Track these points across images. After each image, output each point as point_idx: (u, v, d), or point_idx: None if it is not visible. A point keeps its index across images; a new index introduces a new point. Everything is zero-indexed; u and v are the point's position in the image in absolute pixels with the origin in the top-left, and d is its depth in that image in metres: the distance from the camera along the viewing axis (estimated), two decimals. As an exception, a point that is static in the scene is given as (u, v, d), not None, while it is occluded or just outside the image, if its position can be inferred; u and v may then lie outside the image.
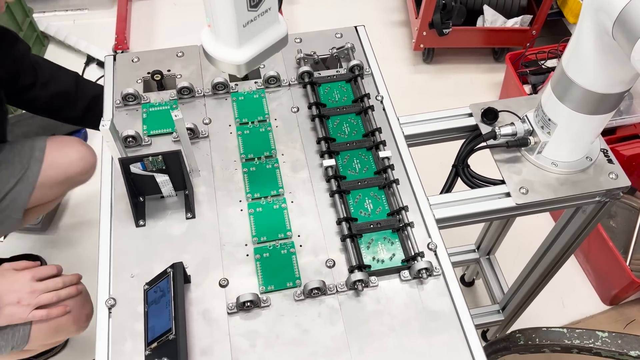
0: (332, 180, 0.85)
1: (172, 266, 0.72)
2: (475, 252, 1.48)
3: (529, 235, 1.49)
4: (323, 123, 0.92)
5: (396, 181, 0.84)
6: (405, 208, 0.82)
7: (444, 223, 0.86)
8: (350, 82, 0.99)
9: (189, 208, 0.83)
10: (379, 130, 0.90)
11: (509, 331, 1.13)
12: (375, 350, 0.72)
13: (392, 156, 0.88)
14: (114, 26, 2.14)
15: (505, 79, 1.97)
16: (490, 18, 2.01)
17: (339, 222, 0.81)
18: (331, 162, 0.86)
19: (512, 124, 0.90)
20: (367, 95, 0.95)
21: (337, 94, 0.97)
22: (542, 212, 0.90)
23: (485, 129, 0.94)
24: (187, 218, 0.83)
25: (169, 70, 1.00)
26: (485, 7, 2.01)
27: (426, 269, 0.76)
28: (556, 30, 2.10)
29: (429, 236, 0.82)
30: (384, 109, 0.96)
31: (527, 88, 1.90)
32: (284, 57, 1.03)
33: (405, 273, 0.77)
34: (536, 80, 1.90)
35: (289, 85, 0.99)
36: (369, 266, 0.77)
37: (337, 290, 0.76)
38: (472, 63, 2.21)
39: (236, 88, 0.98)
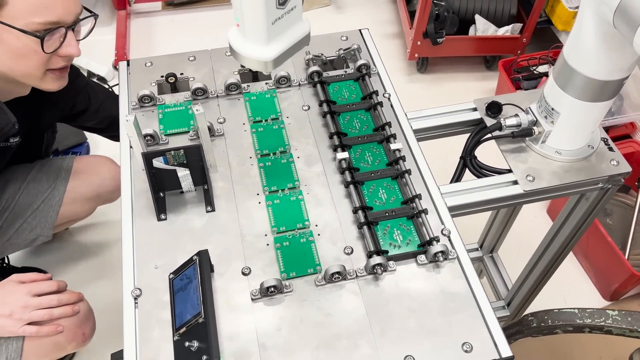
0: (346, 172, 0.87)
1: (198, 254, 0.74)
2: (478, 251, 1.51)
3: (529, 234, 1.53)
4: (334, 119, 0.95)
5: (408, 171, 0.88)
6: (419, 196, 0.84)
7: (455, 211, 0.89)
8: (358, 81, 1.02)
9: (209, 202, 0.85)
10: (389, 124, 0.94)
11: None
12: (396, 330, 0.74)
13: (402, 148, 0.91)
14: (114, 42, 2.18)
15: (499, 85, 2.02)
16: (482, 27, 2.07)
17: (355, 211, 0.84)
18: (344, 154, 0.89)
19: (517, 115, 0.94)
20: (376, 92, 0.99)
21: (346, 92, 1.01)
22: (548, 199, 0.93)
23: (489, 122, 0.97)
24: (207, 211, 0.85)
25: (181, 74, 1.03)
26: (477, 17, 2.07)
27: (442, 252, 0.78)
28: (545, 38, 2.17)
29: (442, 223, 0.85)
30: (391, 106, 1.00)
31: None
32: (293, 59, 1.06)
33: (422, 257, 0.80)
34: (529, 86, 1.96)
35: (299, 85, 1.03)
36: (387, 251, 0.80)
37: (356, 276, 0.78)
38: (465, 72, 2.26)
39: (248, 89, 1.01)
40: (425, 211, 0.83)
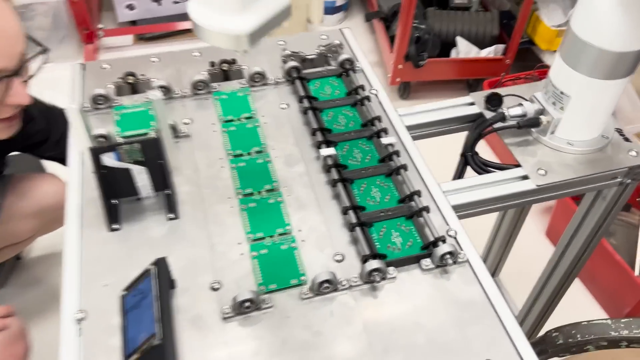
0: (333, 170, 0.75)
1: (156, 262, 0.61)
2: (478, 275, 1.38)
3: (529, 258, 1.42)
4: (316, 115, 0.84)
5: (404, 167, 0.76)
6: (418, 193, 0.72)
7: (460, 210, 0.77)
8: (341, 77, 0.92)
9: (171, 207, 0.72)
10: (378, 118, 0.83)
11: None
12: (403, 348, 0.60)
13: (395, 142, 0.79)
14: (81, 75, 2.06)
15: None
16: (464, 49, 2.01)
17: (344, 212, 0.71)
18: (330, 150, 0.77)
19: (521, 104, 0.84)
20: (362, 87, 0.88)
21: (328, 89, 0.90)
22: (563, 196, 0.82)
23: (490, 115, 0.87)
24: (170, 219, 0.72)
25: (142, 75, 0.92)
26: (459, 39, 2.01)
27: (450, 253, 0.66)
28: (528, 58, 2.11)
29: (447, 223, 0.72)
30: (380, 103, 0.89)
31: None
32: (269, 56, 0.96)
33: (427, 261, 0.67)
34: (516, 105, 1.88)
35: (276, 83, 0.92)
36: (385, 255, 0.67)
37: (350, 286, 0.65)
38: (447, 97, 2.19)
39: (218, 87, 0.89)
40: (426, 209, 0.71)
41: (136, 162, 0.69)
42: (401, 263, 0.67)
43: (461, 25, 2.02)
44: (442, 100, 0.91)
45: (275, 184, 0.75)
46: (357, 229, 0.69)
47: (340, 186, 0.73)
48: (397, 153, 0.78)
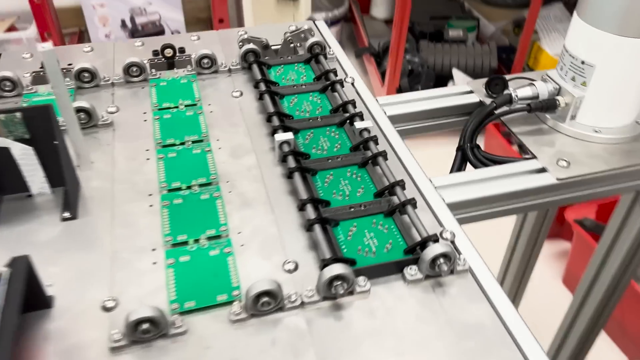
0: (290, 158, 0.57)
1: (11, 263, 0.41)
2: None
3: (546, 311, 1.21)
4: (274, 100, 0.67)
5: (382, 154, 0.58)
6: (400, 183, 0.54)
7: (457, 212, 0.58)
8: (310, 64, 0.75)
9: (69, 205, 0.54)
10: (352, 103, 0.65)
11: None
12: (376, 391, 0.40)
13: (372, 127, 0.62)
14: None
15: (486, 139, 1.78)
16: (461, 82, 1.87)
17: (301, 207, 0.52)
18: (286, 135, 0.59)
19: (532, 84, 0.66)
20: (334, 72, 0.71)
21: (293, 75, 0.73)
22: (591, 197, 0.63)
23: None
24: (64, 219, 0.53)
25: (69, 64, 0.76)
26: (455, 71, 1.88)
27: (445, 255, 0.46)
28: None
29: (440, 224, 0.53)
30: (357, 92, 0.72)
31: (515, 148, 1.71)
32: (222, 43, 0.80)
33: (412, 270, 0.48)
34: (521, 139, 1.71)
35: (230, 70, 0.75)
36: (354, 261, 0.47)
37: (302, 302, 0.45)
38: (445, 134, 2.03)
39: (157, 75, 0.73)
40: (412, 202, 0.52)
41: (20, 140, 0.51)
42: (376, 272, 0.48)
43: (457, 57, 1.89)
44: (431, 90, 0.74)
45: (213, 177, 0.57)
46: (316, 227, 0.50)
47: (297, 176, 0.55)
48: (374, 140, 0.60)
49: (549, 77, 0.67)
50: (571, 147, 0.64)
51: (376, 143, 0.59)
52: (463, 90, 0.74)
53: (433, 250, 0.46)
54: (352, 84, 0.74)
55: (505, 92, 0.66)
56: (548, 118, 0.67)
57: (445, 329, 0.44)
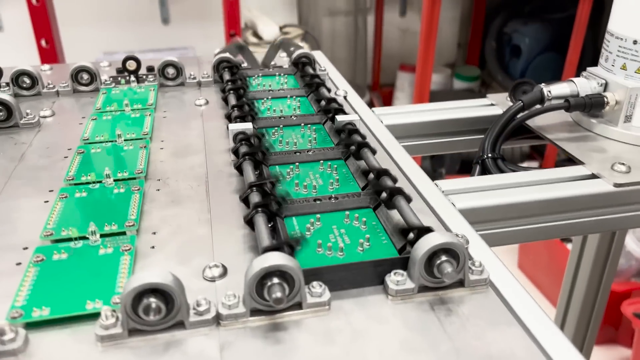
0: (242, 145, 0.42)
1: None
2: None
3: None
4: (241, 96, 0.53)
5: (367, 145, 0.42)
6: (388, 173, 0.38)
7: (479, 224, 0.41)
8: (295, 75, 0.63)
9: None
10: (336, 102, 0.51)
11: None
12: None
13: (357, 120, 0.47)
14: None
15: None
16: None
17: (244, 197, 0.36)
18: (243, 126, 0.45)
19: (570, 80, 0.52)
20: (318, 77, 0.58)
21: (271, 83, 0.60)
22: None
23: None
24: None
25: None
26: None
27: (447, 250, 0.29)
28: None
29: (446, 227, 0.37)
30: (351, 107, 0.58)
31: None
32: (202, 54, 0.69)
33: (398, 276, 0.30)
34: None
35: (199, 84, 0.63)
36: (296, 244, 0.31)
37: (216, 316, 0.28)
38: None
39: (111, 83, 0.61)
40: (402, 194, 0.36)
41: None
42: (342, 277, 0.30)
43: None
44: (440, 102, 0.60)
45: (139, 172, 0.43)
46: (257, 214, 0.34)
47: (246, 164, 0.40)
48: (358, 132, 0.45)
49: (590, 72, 0.53)
50: (627, 153, 0.48)
51: (362, 137, 0.44)
52: (479, 104, 0.60)
53: (429, 241, 0.30)
54: (345, 97, 0.60)
55: (536, 88, 0.51)
56: (594, 123, 0.51)
57: (450, 363, 0.26)
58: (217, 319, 0.28)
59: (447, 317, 0.29)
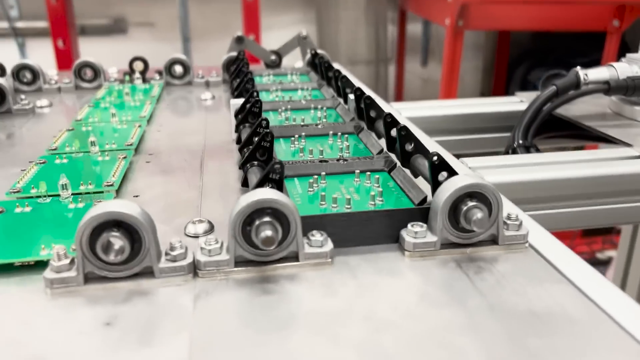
0: (245, 115, 0.38)
1: None
2: None
3: None
4: (246, 81, 0.50)
5: (391, 117, 0.38)
6: (405, 128, 0.33)
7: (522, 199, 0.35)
8: (309, 75, 0.60)
9: None
10: (346, 78, 0.47)
11: None
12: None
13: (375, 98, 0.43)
14: None
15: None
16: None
17: (240, 141, 0.32)
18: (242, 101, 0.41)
19: (610, 65, 0.47)
20: (336, 72, 0.55)
21: (282, 80, 0.57)
22: None
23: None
24: None
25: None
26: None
27: (476, 195, 0.24)
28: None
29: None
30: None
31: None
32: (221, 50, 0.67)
33: (419, 227, 0.25)
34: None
35: (207, 84, 0.60)
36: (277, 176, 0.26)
37: (193, 262, 0.23)
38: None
39: (115, 81, 0.58)
40: (435, 162, 0.31)
41: None
42: (349, 229, 0.25)
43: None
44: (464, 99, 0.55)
45: (129, 144, 0.38)
46: (254, 167, 0.29)
47: (246, 129, 0.36)
48: (373, 105, 0.40)
49: (630, 57, 0.48)
50: (681, 136, 0.42)
51: (377, 110, 0.40)
52: (509, 100, 0.55)
53: (454, 182, 0.24)
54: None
55: (571, 72, 0.47)
56: (637, 110, 0.46)
57: (481, 318, 0.20)
58: (195, 268, 0.23)
59: (478, 274, 0.23)
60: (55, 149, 0.38)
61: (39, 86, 0.57)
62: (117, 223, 0.22)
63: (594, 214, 0.37)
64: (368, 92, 0.53)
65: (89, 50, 1.45)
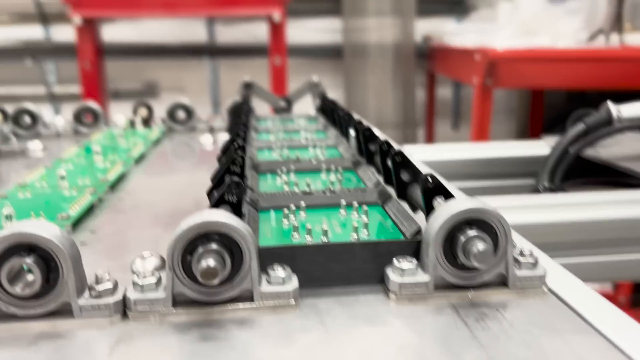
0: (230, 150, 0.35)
1: None
2: None
3: None
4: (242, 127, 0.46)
5: (386, 143, 0.34)
6: (400, 154, 0.29)
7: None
8: (316, 120, 0.56)
9: None
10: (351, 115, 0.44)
11: None
12: None
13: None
14: None
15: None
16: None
17: (215, 178, 0.28)
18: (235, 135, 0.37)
19: (642, 100, 0.43)
20: (343, 110, 0.51)
21: (289, 125, 0.54)
22: None
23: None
24: None
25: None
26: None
27: (477, 221, 0.19)
28: None
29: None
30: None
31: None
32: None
33: (408, 263, 0.20)
34: None
35: (211, 130, 0.57)
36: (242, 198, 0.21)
37: (122, 300, 0.19)
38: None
39: (115, 127, 0.56)
40: (428, 184, 0.26)
41: None
42: (320, 267, 0.20)
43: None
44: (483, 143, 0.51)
45: (103, 179, 0.35)
46: (222, 206, 0.25)
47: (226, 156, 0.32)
48: (374, 137, 0.36)
49: (666, 94, 0.43)
50: None
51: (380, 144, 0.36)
52: (536, 144, 0.50)
53: (450, 207, 0.20)
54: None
55: (602, 109, 0.42)
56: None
57: (481, 381, 0.15)
58: (123, 306, 0.19)
59: (479, 321, 0.18)
60: (25, 184, 0.34)
61: (37, 130, 0.55)
62: (30, 247, 0.18)
63: (631, 265, 0.32)
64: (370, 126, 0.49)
65: (119, 111, 1.47)
